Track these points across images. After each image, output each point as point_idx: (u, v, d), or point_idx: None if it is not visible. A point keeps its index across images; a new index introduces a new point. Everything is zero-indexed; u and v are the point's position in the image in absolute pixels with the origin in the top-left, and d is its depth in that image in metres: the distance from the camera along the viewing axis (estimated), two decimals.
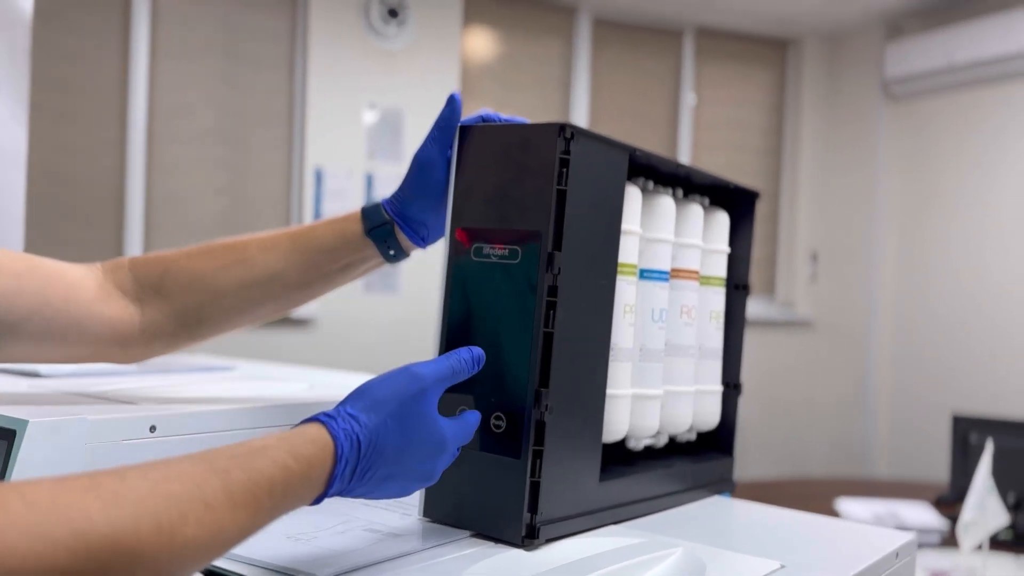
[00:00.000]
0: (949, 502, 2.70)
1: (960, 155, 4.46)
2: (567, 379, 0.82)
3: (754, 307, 4.75)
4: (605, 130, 1.00)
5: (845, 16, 4.72)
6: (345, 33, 4.06)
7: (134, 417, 0.81)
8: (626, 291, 0.91)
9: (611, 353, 0.90)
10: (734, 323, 1.12)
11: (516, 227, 0.82)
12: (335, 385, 1.18)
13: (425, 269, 3.58)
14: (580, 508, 0.86)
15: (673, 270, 1.01)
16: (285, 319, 3.74)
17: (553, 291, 0.80)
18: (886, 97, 4.75)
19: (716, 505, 1.04)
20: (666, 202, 0.98)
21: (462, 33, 4.32)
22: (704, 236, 1.05)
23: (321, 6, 4.01)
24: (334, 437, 0.66)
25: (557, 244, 0.80)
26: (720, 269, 1.08)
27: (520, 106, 4.45)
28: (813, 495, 2.94)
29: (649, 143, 3.93)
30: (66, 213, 3.69)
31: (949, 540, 2.44)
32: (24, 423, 0.74)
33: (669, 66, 4.81)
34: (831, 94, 4.99)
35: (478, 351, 0.80)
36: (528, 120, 0.86)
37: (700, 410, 1.06)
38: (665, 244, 0.98)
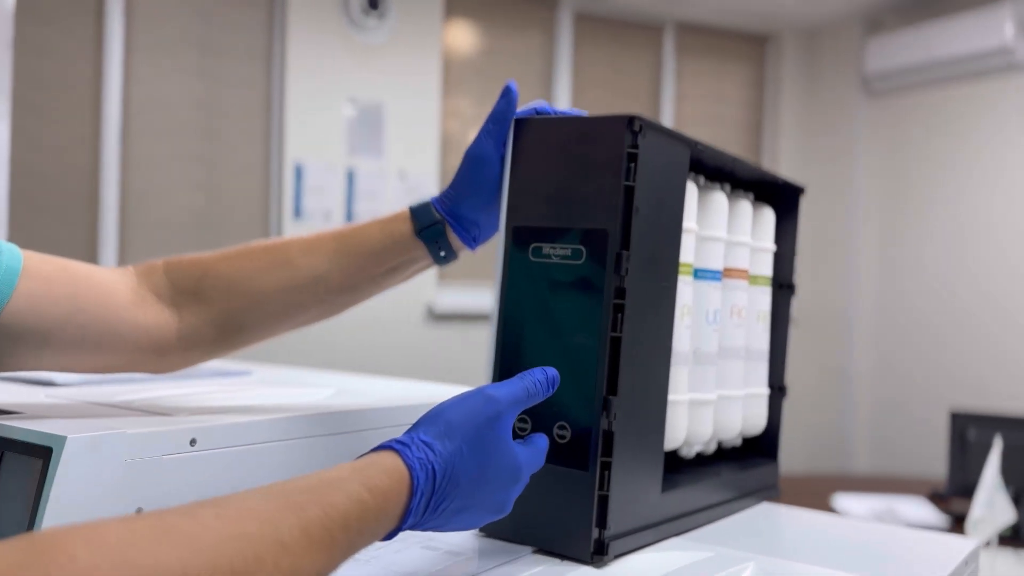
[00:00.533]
0: (944, 497, 2.69)
1: (939, 149, 4.47)
2: (633, 386, 0.78)
3: None
4: None
5: (824, 11, 4.72)
6: (324, 26, 3.98)
7: (174, 430, 0.76)
8: (683, 292, 0.87)
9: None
10: (778, 323, 1.08)
11: (579, 225, 0.77)
12: (360, 392, 1.13)
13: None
14: (644, 521, 0.82)
15: (724, 269, 0.97)
16: None
17: (621, 293, 0.76)
18: (865, 92, 4.75)
19: (767, 513, 1.01)
20: (720, 198, 0.94)
21: (443, 27, 4.26)
22: (752, 233, 1.02)
23: None
24: (409, 467, 0.62)
25: (625, 243, 0.76)
26: (767, 268, 1.05)
27: None
28: (806, 491, 2.92)
29: None
30: (38, 210, 3.59)
31: None
32: (62, 440, 0.68)
33: (650, 61, 4.79)
34: (810, 89, 4.99)
35: (552, 372, 0.75)
36: (585, 112, 0.82)
37: (749, 414, 1.02)
38: (719, 242, 0.94)
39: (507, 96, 0.81)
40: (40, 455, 0.69)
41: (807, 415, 4.87)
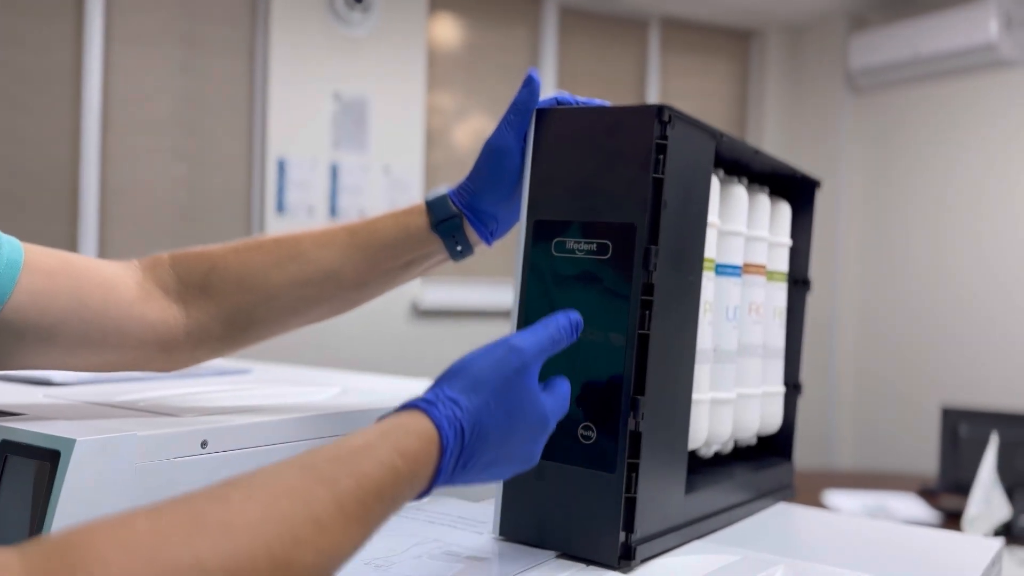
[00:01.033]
0: (934, 493, 2.69)
1: (924, 146, 4.49)
2: (660, 385, 0.75)
3: None
4: None
5: (809, 7, 4.72)
6: (308, 19, 3.94)
7: (184, 432, 0.73)
8: (705, 288, 0.85)
9: None
10: (794, 320, 1.06)
11: (606, 219, 0.75)
12: (366, 390, 1.10)
13: None
14: (669, 523, 0.79)
15: (744, 265, 0.95)
16: None
17: (649, 289, 0.73)
18: (850, 89, 4.76)
19: (785, 514, 0.99)
20: (740, 192, 0.92)
21: (428, 20, 4.23)
22: (769, 228, 0.99)
23: None
24: (438, 427, 0.59)
25: (654, 238, 0.73)
26: (783, 263, 1.03)
27: (487, 95, 4.37)
28: (798, 488, 2.91)
29: None
30: (16, 205, 3.53)
31: None
32: (71, 443, 0.65)
33: (635, 56, 4.77)
34: (795, 85, 4.99)
35: (576, 316, 0.72)
36: (607, 103, 0.79)
37: (765, 412, 1.01)
38: (739, 237, 0.92)
39: (529, 85, 0.79)
40: (47, 458, 0.66)
41: None
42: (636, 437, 0.73)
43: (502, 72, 4.43)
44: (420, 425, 0.58)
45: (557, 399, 0.69)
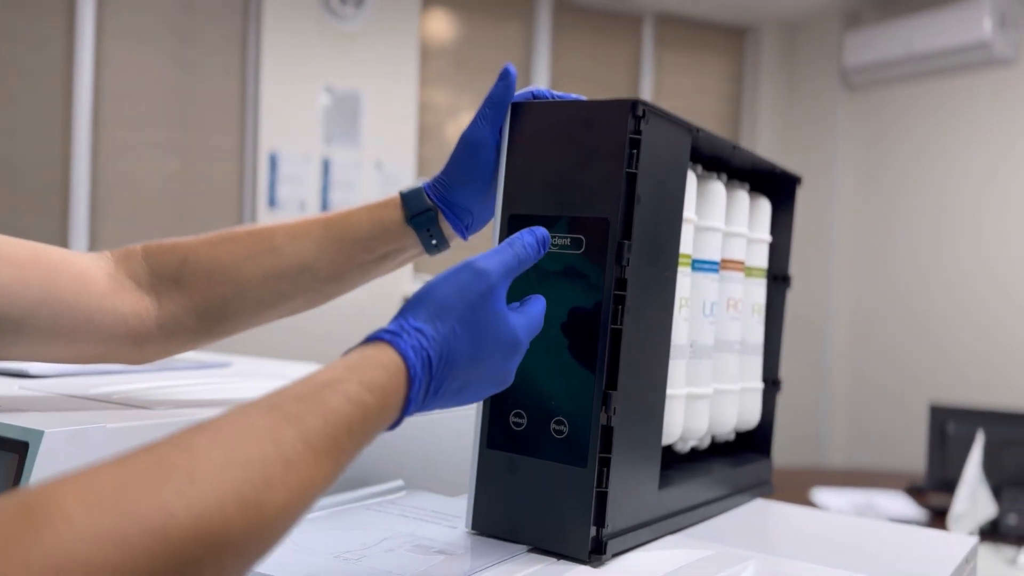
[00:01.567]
0: (922, 491, 2.70)
1: (919, 144, 4.49)
2: (632, 380, 0.75)
3: None
4: None
5: (803, 4, 4.72)
6: (300, 13, 3.93)
7: (155, 424, 0.73)
8: (681, 283, 0.85)
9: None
10: (773, 316, 1.06)
11: (579, 214, 0.75)
12: None
13: None
14: (642, 518, 0.80)
15: (721, 260, 0.95)
16: None
17: (622, 284, 0.73)
18: (844, 86, 4.76)
19: (762, 510, 0.99)
20: (717, 188, 0.92)
21: (421, 15, 4.22)
22: (748, 224, 1.00)
23: None
24: (404, 357, 0.58)
25: (627, 233, 0.73)
26: (763, 259, 1.03)
27: (479, 90, 4.37)
28: (784, 486, 2.92)
29: None
30: (6, 200, 3.52)
31: None
32: (39, 434, 0.65)
33: (629, 52, 4.77)
34: (789, 82, 4.99)
35: (541, 231, 0.71)
36: (584, 97, 0.80)
37: (743, 409, 1.01)
38: (716, 233, 0.92)
39: (505, 79, 0.79)
40: (16, 450, 0.66)
41: (783, 408, 4.87)
42: (608, 432, 0.73)
43: (495, 68, 4.42)
44: (386, 357, 0.58)
45: (529, 317, 0.69)
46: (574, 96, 0.80)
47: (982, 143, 4.23)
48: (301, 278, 0.81)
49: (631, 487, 0.77)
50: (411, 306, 0.63)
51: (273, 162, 3.88)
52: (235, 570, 0.44)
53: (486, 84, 4.41)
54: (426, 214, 0.81)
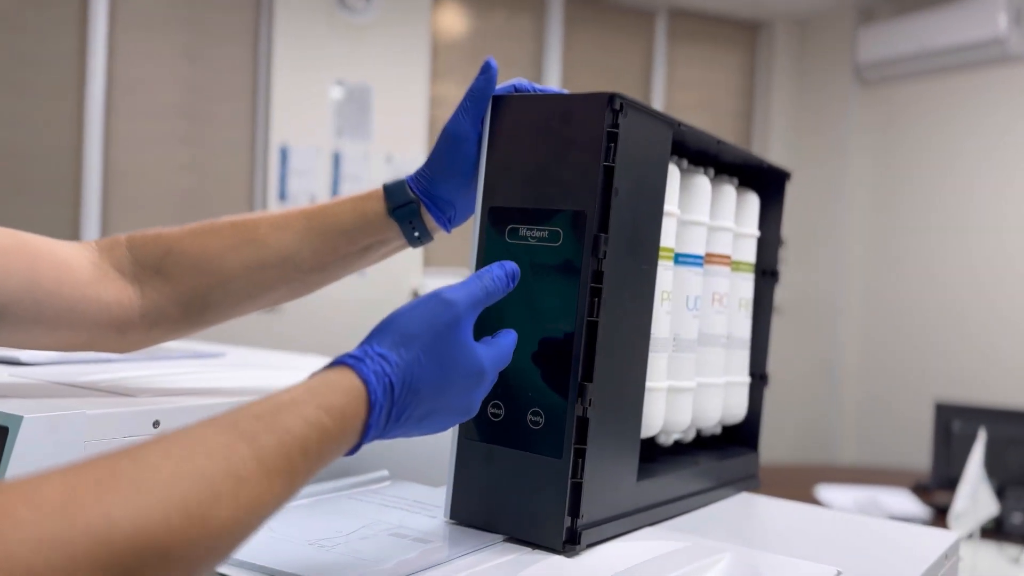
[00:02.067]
0: (928, 489, 2.69)
1: (932, 140, 4.47)
2: (609, 372, 0.76)
3: None
4: None
5: None
6: (312, 6, 3.94)
7: (136, 411, 0.74)
8: (663, 277, 0.86)
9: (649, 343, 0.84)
10: (761, 310, 1.07)
11: (557, 207, 0.75)
12: None
13: None
14: (618, 510, 0.80)
15: (706, 255, 0.95)
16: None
17: (599, 276, 0.74)
18: (858, 82, 4.74)
19: (746, 503, 0.99)
20: (702, 182, 0.92)
21: (432, 8, 4.23)
22: (735, 218, 1.00)
23: None
24: (365, 382, 0.59)
25: (604, 226, 0.74)
26: (750, 254, 1.03)
27: None
28: (790, 482, 2.92)
29: None
30: (18, 190, 3.55)
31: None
32: (19, 419, 0.66)
33: (641, 46, 4.76)
34: (802, 78, 4.98)
35: (511, 266, 0.73)
36: (567, 91, 0.80)
37: (728, 403, 1.01)
38: (700, 227, 0.92)
39: (486, 73, 0.79)
40: None
41: (792, 405, 4.87)
42: (583, 423, 0.74)
43: (507, 62, 4.43)
44: (347, 381, 0.59)
45: (497, 350, 0.71)
46: (555, 89, 0.81)
47: (996, 140, 4.21)
48: (284, 269, 0.82)
49: (607, 478, 0.78)
50: (377, 332, 0.64)
51: (284, 155, 3.90)
52: None
53: (497, 79, 4.41)
54: (408, 207, 0.82)
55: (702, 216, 0.92)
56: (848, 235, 4.76)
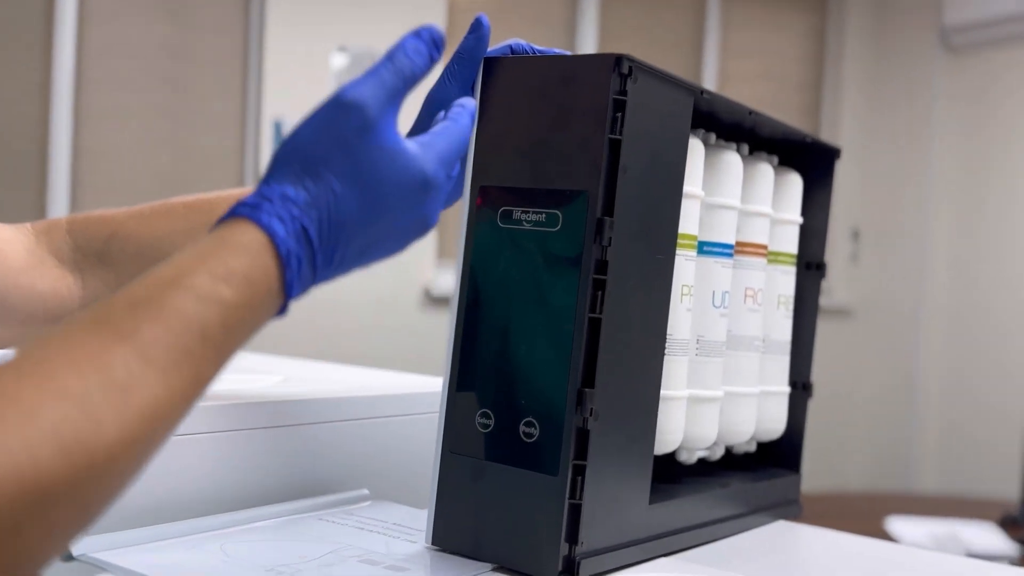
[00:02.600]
0: (1018, 522, 2.67)
1: None
2: (616, 377, 0.76)
3: None
4: None
5: None
6: None
7: None
8: (684, 268, 0.86)
9: (665, 345, 0.84)
10: (805, 310, 1.06)
11: (556, 186, 0.76)
12: (312, 379, 1.12)
13: None
14: (626, 537, 0.80)
15: (737, 244, 0.95)
16: None
17: (602, 267, 0.74)
18: (944, 49, 4.70)
19: (783, 533, 0.99)
20: (732, 159, 0.92)
21: None
22: (773, 203, 1.00)
23: None
24: (270, 233, 0.56)
25: (608, 208, 0.74)
26: (791, 244, 1.03)
27: None
28: (858, 513, 2.91)
29: None
30: None
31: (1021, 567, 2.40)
32: None
33: (691, 9, 4.74)
34: (880, 43, 4.94)
35: (428, 30, 0.68)
36: (568, 52, 0.80)
37: (763, 416, 1.01)
38: (730, 211, 0.92)
39: (476, 31, 0.80)
40: None
41: (863, 425, 4.84)
42: (583, 435, 0.74)
43: (533, 26, 4.43)
44: (247, 236, 0.56)
45: (439, 140, 0.68)
46: (557, 51, 0.81)
47: None
48: None
49: (613, 500, 0.78)
50: (275, 168, 0.60)
51: (278, 130, 3.92)
52: (71, 523, 0.44)
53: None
54: None
55: (732, 199, 0.92)
56: (931, 228, 4.72)
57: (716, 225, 0.91)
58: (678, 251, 0.84)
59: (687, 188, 0.84)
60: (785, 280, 1.02)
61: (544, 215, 0.76)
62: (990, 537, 2.56)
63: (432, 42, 0.68)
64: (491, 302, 0.78)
